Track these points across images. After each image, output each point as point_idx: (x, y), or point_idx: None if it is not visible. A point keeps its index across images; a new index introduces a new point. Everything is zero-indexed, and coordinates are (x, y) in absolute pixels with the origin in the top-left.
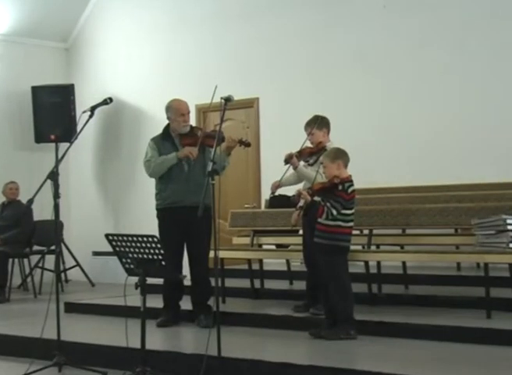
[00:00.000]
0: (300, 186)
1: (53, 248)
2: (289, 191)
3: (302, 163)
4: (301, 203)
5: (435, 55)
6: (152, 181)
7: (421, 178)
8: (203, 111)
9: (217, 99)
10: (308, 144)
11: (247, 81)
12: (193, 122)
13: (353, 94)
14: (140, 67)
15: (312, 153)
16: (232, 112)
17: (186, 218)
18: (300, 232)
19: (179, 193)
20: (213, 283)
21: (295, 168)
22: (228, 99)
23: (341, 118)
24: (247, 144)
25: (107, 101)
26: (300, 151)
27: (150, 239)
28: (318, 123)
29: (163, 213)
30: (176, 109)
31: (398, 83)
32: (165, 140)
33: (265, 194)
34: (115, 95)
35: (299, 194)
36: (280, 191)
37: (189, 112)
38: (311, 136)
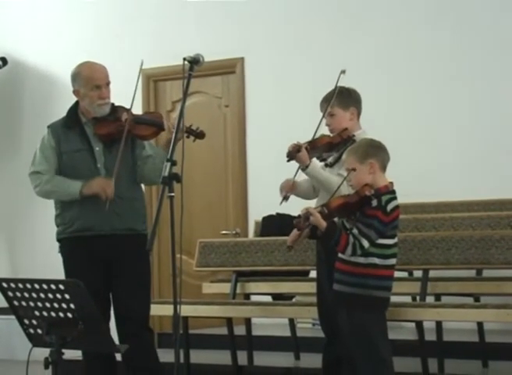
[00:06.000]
0: (313, 202)
1: None
2: (295, 205)
3: (318, 163)
4: (307, 231)
5: None
6: None
7: (508, 188)
8: (153, 79)
9: (177, 61)
10: (326, 131)
11: (225, 32)
12: (137, 95)
13: (402, 54)
14: (50, 11)
15: (332, 145)
16: (201, 82)
17: (106, 253)
18: (313, 274)
19: (93, 214)
20: (168, 357)
21: (304, 168)
22: (195, 61)
23: (379, 92)
24: (199, 135)
25: None
26: (314, 141)
27: (70, 287)
28: (342, 98)
29: (69, 246)
30: (86, 78)
31: (480, 41)
32: (70, 128)
33: (254, 214)
34: (11, 54)
35: (306, 216)
36: (280, 207)
37: (108, 84)
38: (331, 118)
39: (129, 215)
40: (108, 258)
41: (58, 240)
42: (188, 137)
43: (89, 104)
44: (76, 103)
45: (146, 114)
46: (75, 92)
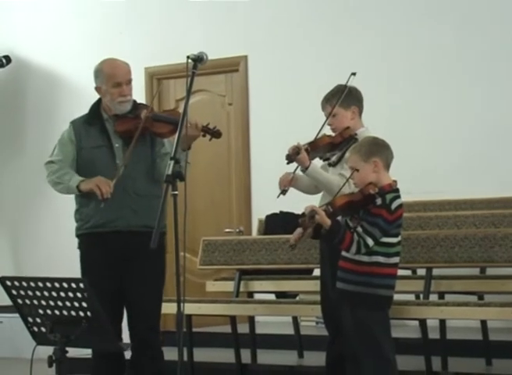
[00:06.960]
0: (316, 199)
1: None
2: (298, 203)
3: (320, 163)
4: (310, 231)
5: None
6: None
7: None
8: (157, 77)
9: (181, 59)
10: (329, 131)
11: (228, 30)
12: (141, 94)
13: (404, 53)
14: (54, 9)
15: (334, 145)
16: (204, 80)
17: (122, 251)
18: (316, 272)
19: (109, 210)
20: (171, 355)
21: (304, 169)
22: (198, 59)
23: (381, 90)
24: (215, 134)
25: (2, 62)
26: (314, 142)
27: (74, 285)
28: (344, 98)
29: (86, 242)
30: (108, 75)
31: (483, 40)
32: (92, 124)
33: (257, 212)
34: (15, 52)
35: (312, 214)
36: (284, 205)
37: (130, 81)
38: (332, 118)
39: (146, 212)
40: (123, 256)
41: (77, 235)
42: (204, 136)
43: (110, 101)
44: (99, 100)
45: (165, 112)
46: (97, 89)
